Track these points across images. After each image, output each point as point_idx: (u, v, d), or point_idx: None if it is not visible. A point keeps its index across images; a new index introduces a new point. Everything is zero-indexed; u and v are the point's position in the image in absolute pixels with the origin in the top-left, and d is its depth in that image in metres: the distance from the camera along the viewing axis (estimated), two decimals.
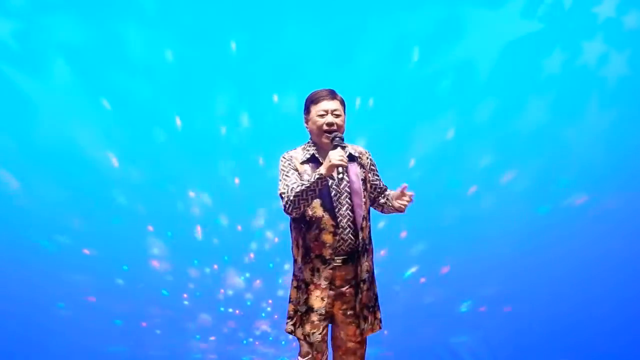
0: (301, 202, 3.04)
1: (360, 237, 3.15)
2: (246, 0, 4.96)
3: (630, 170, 4.99)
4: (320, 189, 3.05)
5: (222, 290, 5.01)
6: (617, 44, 5.01)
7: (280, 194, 3.12)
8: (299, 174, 3.14)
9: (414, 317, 4.89)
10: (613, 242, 4.89)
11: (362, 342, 3.27)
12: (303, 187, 3.03)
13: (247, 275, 5.01)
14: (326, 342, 3.23)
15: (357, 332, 3.21)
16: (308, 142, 3.23)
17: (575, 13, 5.01)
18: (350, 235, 3.15)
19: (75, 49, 4.91)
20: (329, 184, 3.14)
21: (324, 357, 3.23)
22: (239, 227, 5.00)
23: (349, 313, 3.20)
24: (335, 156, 2.99)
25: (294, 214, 3.09)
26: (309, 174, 3.11)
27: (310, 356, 3.20)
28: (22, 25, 4.89)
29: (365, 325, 3.22)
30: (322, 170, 3.02)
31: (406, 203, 3.21)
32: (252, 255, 5.04)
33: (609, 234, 4.87)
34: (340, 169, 3.01)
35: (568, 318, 4.89)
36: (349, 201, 3.16)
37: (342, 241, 3.14)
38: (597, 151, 5.00)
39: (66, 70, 4.91)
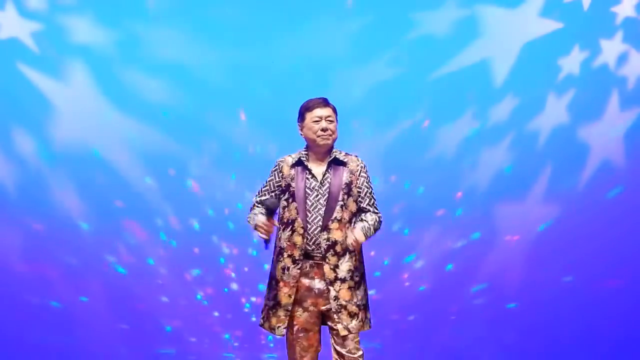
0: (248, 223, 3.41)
1: (327, 237, 3.30)
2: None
3: None
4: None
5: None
6: (637, 43, 4.99)
7: (253, 202, 3.47)
8: (281, 187, 3.39)
9: None
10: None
11: (354, 337, 3.35)
12: (249, 219, 3.40)
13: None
14: (313, 339, 3.39)
15: (341, 327, 3.32)
16: (304, 148, 3.43)
17: (594, 12, 5.00)
18: (315, 233, 3.31)
19: (94, 50, 4.95)
20: (310, 185, 3.34)
21: (310, 350, 3.40)
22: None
23: (330, 310, 3.34)
24: (258, 230, 3.27)
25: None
26: (292, 179, 3.37)
27: (294, 351, 3.40)
28: (41, 26, 4.93)
29: (353, 321, 3.32)
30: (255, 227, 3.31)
31: (351, 243, 3.29)
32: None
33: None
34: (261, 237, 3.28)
35: None
36: (322, 201, 3.33)
37: (312, 243, 3.32)
38: (617, 151, 4.99)
39: (85, 71, 4.95)
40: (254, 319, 4.88)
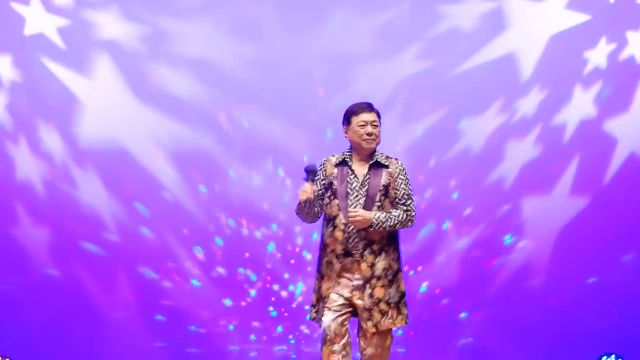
0: (298, 215, 3.57)
1: (366, 235, 3.46)
2: None
3: None
4: (309, 207, 3.48)
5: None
6: None
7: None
8: (324, 184, 3.54)
9: None
10: None
11: (382, 335, 3.51)
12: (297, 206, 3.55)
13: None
14: (343, 329, 3.50)
15: (370, 324, 3.47)
16: (348, 149, 3.60)
17: (620, 4, 5.00)
18: (358, 235, 3.47)
19: (119, 45, 4.96)
20: (352, 185, 3.50)
21: (342, 342, 3.50)
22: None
23: (363, 306, 3.48)
24: (300, 191, 3.46)
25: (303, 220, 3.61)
26: (335, 177, 3.53)
27: (329, 337, 3.49)
28: (67, 21, 4.94)
29: (383, 318, 3.46)
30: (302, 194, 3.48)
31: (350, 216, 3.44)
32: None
33: None
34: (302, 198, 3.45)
35: None
36: (361, 201, 3.49)
37: (351, 240, 3.46)
38: None
39: (110, 66, 4.96)
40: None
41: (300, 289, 5.05)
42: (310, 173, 3.45)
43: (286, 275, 5.07)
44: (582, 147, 5.02)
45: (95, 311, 4.94)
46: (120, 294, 4.96)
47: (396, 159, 3.60)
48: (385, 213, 3.44)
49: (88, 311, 4.92)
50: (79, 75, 4.96)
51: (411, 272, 4.98)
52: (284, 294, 5.08)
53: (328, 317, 3.49)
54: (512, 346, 4.97)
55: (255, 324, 5.06)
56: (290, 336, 5.08)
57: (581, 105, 5.01)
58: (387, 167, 3.55)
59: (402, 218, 3.48)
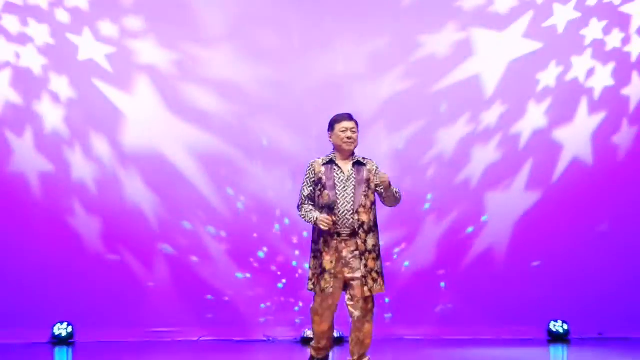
0: (302, 218, 4.37)
1: (356, 219, 4.23)
2: None
3: (613, 162, 6.12)
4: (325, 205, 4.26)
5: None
6: (602, 60, 6.11)
7: (299, 199, 4.39)
8: (315, 182, 4.33)
9: None
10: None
11: (367, 300, 4.23)
12: (304, 215, 4.32)
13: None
14: (335, 299, 4.27)
15: (365, 290, 4.20)
16: (332, 152, 4.40)
17: (567, 34, 6.10)
18: (348, 217, 4.24)
19: (157, 68, 6.02)
20: (339, 178, 4.28)
21: (332, 308, 4.29)
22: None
23: (355, 276, 4.23)
24: (321, 224, 4.21)
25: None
26: (323, 174, 4.31)
27: (318, 301, 4.27)
28: (113, 49, 5.99)
29: (374, 285, 4.23)
30: (315, 221, 4.24)
31: (380, 180, 4.24)
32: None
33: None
34: (324, 228, 4.22)
35: None
36: (351, 193, 4.28)
37: (343, 221, 4.23)
38: (585, 149, 6.12)
39: (149, 85, 6.02)
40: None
41: (300, 262, 6.14)
42: (308, 200, 4.28)
43: (292, 252, 6.16)
44: (535, 151, 6.14)
45: (138, 283, 6.04)
46: (159, 271, 6.05)
47: (371, 160, 4.38)
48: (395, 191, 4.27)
49: (133, 284, 6.03)
50: (123, 93, 6.03)
51: (396, 250, 6.09)
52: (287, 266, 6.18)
53: (331, 285, 4.20)
54: (480, 311, 6.10)
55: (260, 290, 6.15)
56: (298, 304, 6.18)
57: (534, 117, 6.14)
58: (365, 165, 4.34)
59: (398, 193, 4.32)
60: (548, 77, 6.14)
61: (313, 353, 4.53)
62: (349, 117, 4.39)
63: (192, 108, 6.09)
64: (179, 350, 5.83)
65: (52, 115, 5.98)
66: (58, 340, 5.89)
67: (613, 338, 6.05)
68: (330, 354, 4.63)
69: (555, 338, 6.05)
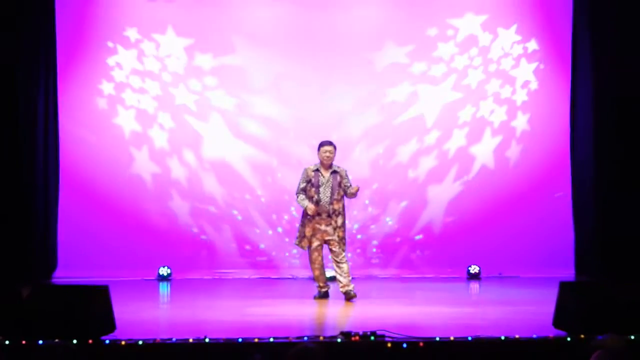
0: (297, 202, 7.20)
1: (332, 207, 7.04)
2: None
3: (506, 167, 9.78)
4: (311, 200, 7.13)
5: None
6: (499, 104, 9.82)
7: (296, 190, 7.20)
8: (307, 181, 7.08)
9: None
10: None
11: (341, 252, 7.13)
12: (299, 202, 7.19)
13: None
14: (319, 254, 7.19)
15: (338, 249, 7.04)
16: (319, 163, 7.15)
17: (477, 89, 9.76)
18: (325, 206, 7.04)
19: (223, 107, 9.67)
20: (321, 181, 7.04)
21: (316, 258, 7.21)
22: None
23: (332, 239, 7.05)
24: (308, 211, 7.07)
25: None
26: (312, 177, 7.09)
27: (311, 256, 7.22)
28: (197, 97, 9.62)
29: (343, 245, 7.11)
30: (306, 208, 7.12)
31: (353, 192, 7.09)
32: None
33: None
34: (309, 213, 7.06)
35: None
36: (328, 190, 7.06)
37: (321, 209, 7.04)
38: (489, 159, 9.80)
39: (218, 118, 9.64)
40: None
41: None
42: (303, 191, 7.36)
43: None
44: (458, 160, 9.67)
45: (211, 242, 9.60)
46: (225, 233, 9.60)
47: (343, 168, 7.16)
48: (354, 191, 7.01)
49: (207, 242, 9.59)
50: (203, 124, 9.59)
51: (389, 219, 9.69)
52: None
53: (315, 244, 7.05)
54: (426, 259, 9.56)
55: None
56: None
57: (457, 139, 9.70)
58: (338, 172, 7.02)
59: (357, 193, 7.04)
60: (466, 114, 9.62)
61: (318, 288, 7.33)
62: (329, 143, 7.15)
63: (246, 133, 9.57)
64: (236, 284, 8.84)
65: (159, 138, 9.54)
66: (161, 278, 9.39)
67: (509, 276, 9.44)
68: (329, 287, 7.43)
69: (472, 277, 9.37)
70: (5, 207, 8.79)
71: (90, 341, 4.90)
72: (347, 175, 7.21)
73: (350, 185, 7.16)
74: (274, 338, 5.06)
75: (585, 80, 9.28)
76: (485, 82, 9.61)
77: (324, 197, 7.09)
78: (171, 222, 9.47)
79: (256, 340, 5.03)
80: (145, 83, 9.51)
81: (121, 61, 9.45)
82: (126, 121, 9.47)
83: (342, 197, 7.17)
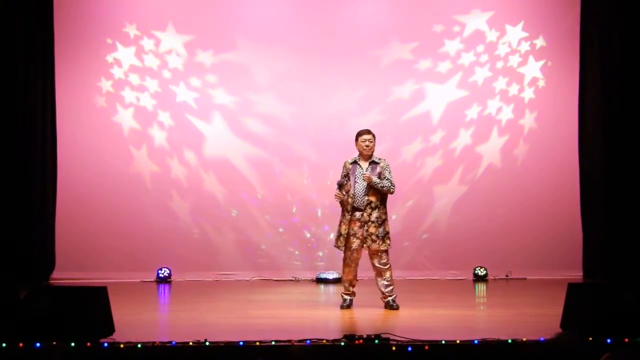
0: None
1: (366, 199, 6.29)
2: None
3: (514, 166, 9.59)
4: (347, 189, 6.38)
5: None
6: (506, 102, 9.62)
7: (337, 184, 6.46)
8: (345, 175, 6.40)
9: None
10: None
11: (377, 252, 6.31)
12: (337, 196, 6.39)
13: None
14: (357, 254, 6.35)
15: (373, 247, 6.31)
16: (357, 155, 6.51)
17: (484, 86, 9.59)
18: (359, 197, 6.30)
19: (226, 106, 9.49)
20: (357, 173, 6.34)
21: (353, 259, 6.36)
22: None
23: (365, 238, 6.30)
24: (335, 197, 6.43)
25: None
26: (350, 169, 6.40)
27: (346, 258, 6.41)
28: (197, 94, 9.44)
29: (378, 243, 6.28)
30: (336, 196, 6.40)
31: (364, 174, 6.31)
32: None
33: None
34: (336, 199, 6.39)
35: None
36: (365, 184, 6.34)
37: (357, 202, 6.30)
38: (496, 158, 9.61)
39: (220, 117, 9.48)
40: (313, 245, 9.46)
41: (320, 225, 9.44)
42: (340, 186, 6.29)
43: (312, 218, 9.55)
44: (464, 160, 9.52)
45: (212, 242, 9.41)
46: (225, 233, 9.43)
47: (384, 159, 6.43)
48: (379, 180, 6.18)
49: (208, 243, 9.41)
50: (204, 122, 9.44)
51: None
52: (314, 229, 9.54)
53: (355, 244, 6.23)
54: (431, 261, 9.42)
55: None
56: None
57: (464, 138, 9.55)
58: (378, 163, 6.35)
59: (386, 185, 6.23)
60: (472, 112, 9.52)
61: (343, 295, 6.51)
62: (367, 132, 6.46)
63: (247, 131, 9.43)
64: (238, 286, 8.67)
65: (159, 136, 9.38)
66: (161, 280, 9.19)
67: (516, 278, 9.25)
68: (354, 296, 6.62)
69: (479, 278, 9.21)
70: (2, 207, 8.60)
71: (88, 344, 4.76)
72: (388, 167, 6.50)
73: (386, 180, 6.41)
74: (275, 341, 4.87)
75: (594, 78, 9.11)
76: (492, 79, 9.46)
77: (359, 190, 6.39)
78: (171, 222, 9.32)
79: (257, 343, 4.84)
80: (144, 80, 9.38)
81: (120, 58, 9.28)
82: (125, 119, 9.32)
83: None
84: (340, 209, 6.57)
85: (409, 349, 4.73)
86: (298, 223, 9.42)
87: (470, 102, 9.48)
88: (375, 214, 6.36)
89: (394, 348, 4.75)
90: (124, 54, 9.25)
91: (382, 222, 6.38)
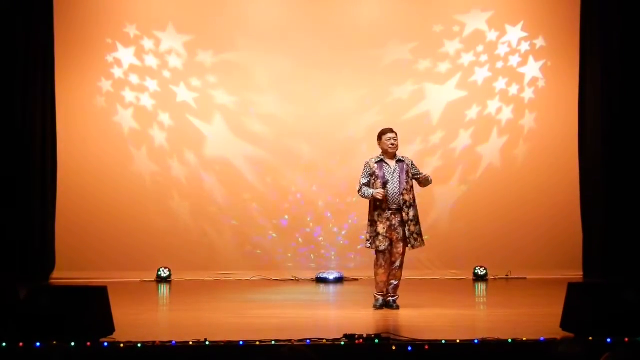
0: (361, 196, 6.35)
1: (402, 198, 6.22)
2: None
3: (514, 167, 9.59)
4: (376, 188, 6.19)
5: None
6: (506, 102, 9.63)
7: (358, 185, 6.32)
8: (370, 174, 6.24)
9: None
10: None
11: (405, 254, 6.29)
12: (363, 194, 6.25)
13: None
14: (387, 253, 6.22)
15: (409, 246, 6.22)
16: (380, 153, 6.39)
17: (483, 86, 9.60)
18: (395, 197, 6.21)
19: (226, 106, 9.49)
20: (387, 171, 6.19)
21: (387, 260, 6.26)
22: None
23: (398, 238, 6.22)
24: (377, 195, 6.13)
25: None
26: (376, 168, 6.23)
27: (380, 259, 6.30)
28: (198, 94, 9.45)
29: (415, 242, 6.26)
30: (372, 195, 6.14)
31: (427, 178, 6.36)
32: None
33: None
34: (379, 197, 6.13)
35: None
36: (396, 180, 6.23)
37: (391, 200, 6.20)
38: (496, 158, 9.62)
39: (221, 117, 9.48)
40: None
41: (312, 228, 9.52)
42: (367, 185, 6.50)
43: (305, 219, 9.55)
44: (464, 160, 9.55)
45: (212, 243, 9.41)
46: (225, 233, 9.43)
47: (407, 156, 6.44)
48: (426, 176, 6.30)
49: (208, 243, 9.40)
50: (204, 123, 9.46)
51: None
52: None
53: (385, 244, 6.16)
54: (431, 261, 9.39)
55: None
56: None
57: (463, 139, 9.57)
58: (404, 161, 6.29)
59: (430, 179, 6.35)
60: (472, 113, 9.56)
61: (377, 296, 6.42)
62: (391, 130, 6.35)
63: (248, 132, 9.45)
64: (237, 286, 8.64)
65: (159, 136, 9.39)
66: (161, 279, 9.19)
67: (516, 278, 9.19)
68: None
69: (479, 278, 9.15)
70: (3, 207, 8.60)
71: (88, 343, 4.76)
72: (413, 164, 6.52)
73: (421, 174, 6.47)
74: (275, 340, 4.87)
75: (594, 77, 9.11)
76: (492, 79, 9.46)
77: (393, 189, 6.31)
78: (171, 222, 9.33)
79: (257, 342, 4.84)
80: (145, 80, 9.39)
81: (120, 58, 9.29)
82: (125, 119, 9.33)
83: (412, 187, 6.44)
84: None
85: (409, 348, 4.73)
86: (298, 223, 9.42)
87: (470, 102, 9.48)
88: (412, 213, 6.35)
89: (394, 348, 4.74)
90: (124, 54, 9.27)
91: (418, 220, 6.43)
